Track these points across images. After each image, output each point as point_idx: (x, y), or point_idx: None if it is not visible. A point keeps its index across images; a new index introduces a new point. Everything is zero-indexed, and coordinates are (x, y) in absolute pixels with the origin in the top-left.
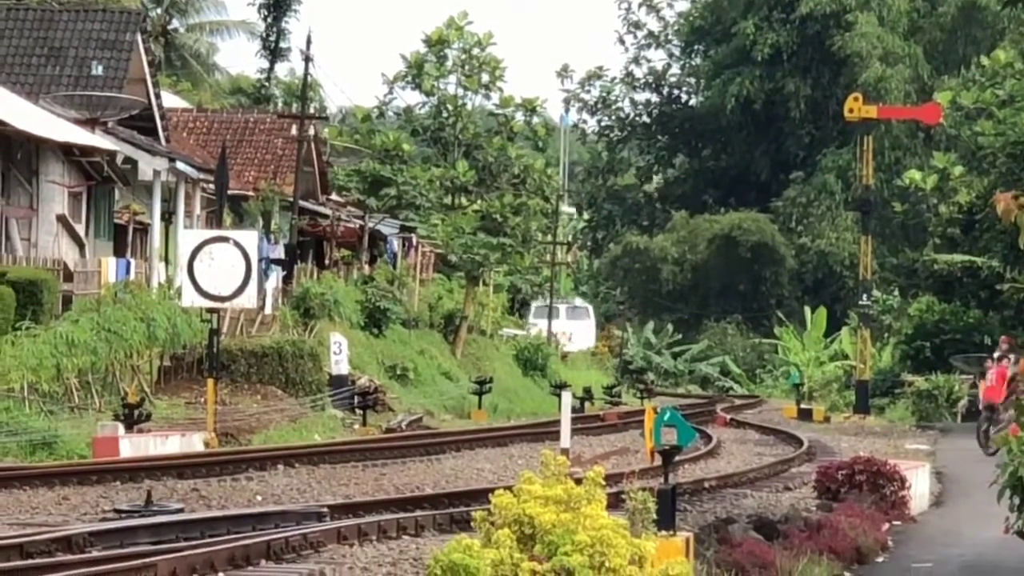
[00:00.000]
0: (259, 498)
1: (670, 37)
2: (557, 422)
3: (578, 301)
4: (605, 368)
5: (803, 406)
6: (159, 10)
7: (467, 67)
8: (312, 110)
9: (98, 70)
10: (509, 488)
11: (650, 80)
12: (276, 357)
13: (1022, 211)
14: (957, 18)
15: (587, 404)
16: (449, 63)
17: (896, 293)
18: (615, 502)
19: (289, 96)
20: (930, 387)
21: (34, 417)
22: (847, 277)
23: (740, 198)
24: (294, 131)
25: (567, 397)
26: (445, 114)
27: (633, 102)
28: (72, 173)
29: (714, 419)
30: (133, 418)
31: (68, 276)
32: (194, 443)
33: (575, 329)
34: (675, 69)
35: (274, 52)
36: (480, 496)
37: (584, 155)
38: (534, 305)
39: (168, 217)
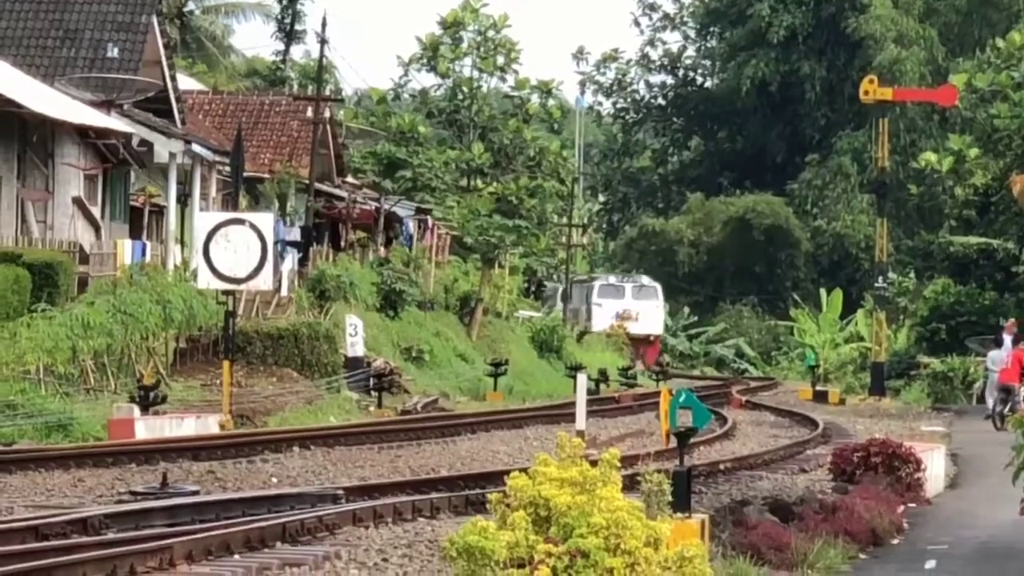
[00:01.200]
0: (274, 480)
1: (685, 19)
2: (572, 404)
3: (645, 279)
4: (620, 350)
5: (818, 388)
6: None
7: (482, 49)
8: (328, 92)
9: (114, 52)
10: (524, 470)
11: (665, 62)
12: (292, 339)
13: None
14: (973, 0)
15: (602, 386)
16: (464, 45)
17: (912, 275)
18: (630, 484)
19: (304, 78)
20: (945, 369)
21: (50, 399)
22: (863, 259)
23: (756, 180)
24: (309, 113)
25: (582, 379)
26: (460, 96)
27: (648, 84)
28: (88, 155)
29: (729, 401)
30: (149, 400)
31: (84, 258)
32: (209, 425)
33: (642, 310)
34: (690, 51)
35: (289, 34)
36: (495, 478)
37: (599, 137)
38: (597, 284)
39: (184, 199)
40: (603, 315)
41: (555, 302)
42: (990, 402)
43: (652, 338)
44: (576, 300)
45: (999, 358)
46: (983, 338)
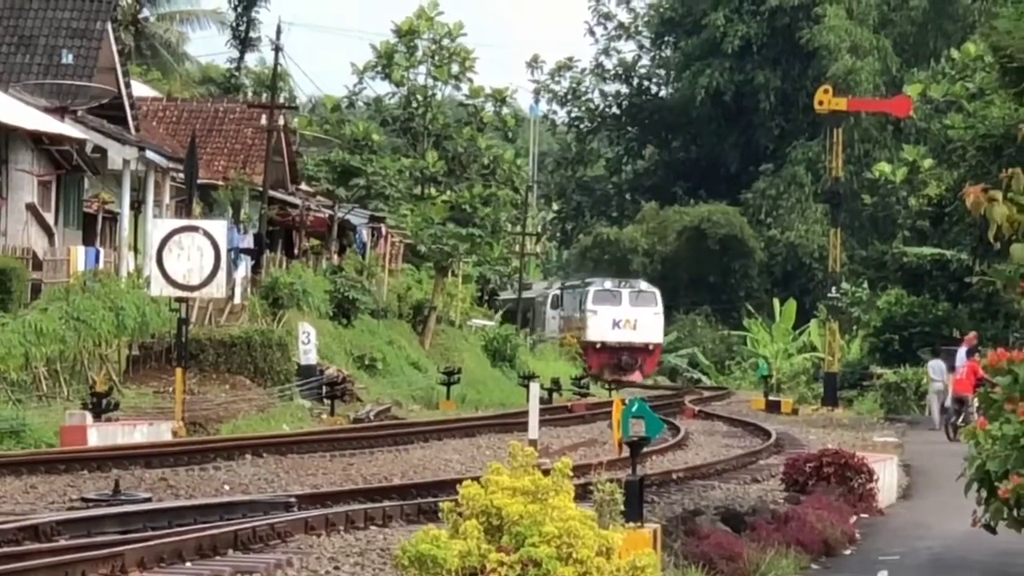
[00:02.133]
0: (227, 488)
1: (640, 28)
2: (525, 413)
3: (643, 284)
4: (574, 359)
5: (771, 398)
6: None
7: (437, 57)
8: (282, 100)
9: (68, 59)
10: (477, 479)
11: (620, 71)
12: (245, 347)
13: (991, 204)
14: (928, 11)
15: (555, 395)
16: (419, 53)
17: (865, 285)
18: (583, 493)
19: (259, 86)
20: (898, 380)
21: (2, 406)
22: (816, 269)
23: (710, 190)
24: (264, 121)
25: (535, 388)
26: (415, 104)
27: (603, 93)
28: (41, 161)
29: (682, 411)
30: (101, 407)
31: (37, 265)
32: (162, 432)
33: (639, 317)
34: (645, 60)
35: (244, 42)
36: (448, 487)
37: (554, 146)
38: (592, 290)
39: (137, 206)
40: (599, 323)
41: (542, 312)
42: (934, 411)
43: (651, 347)
44: (568, 307)
45: (939, 368)
46: (947, 348)
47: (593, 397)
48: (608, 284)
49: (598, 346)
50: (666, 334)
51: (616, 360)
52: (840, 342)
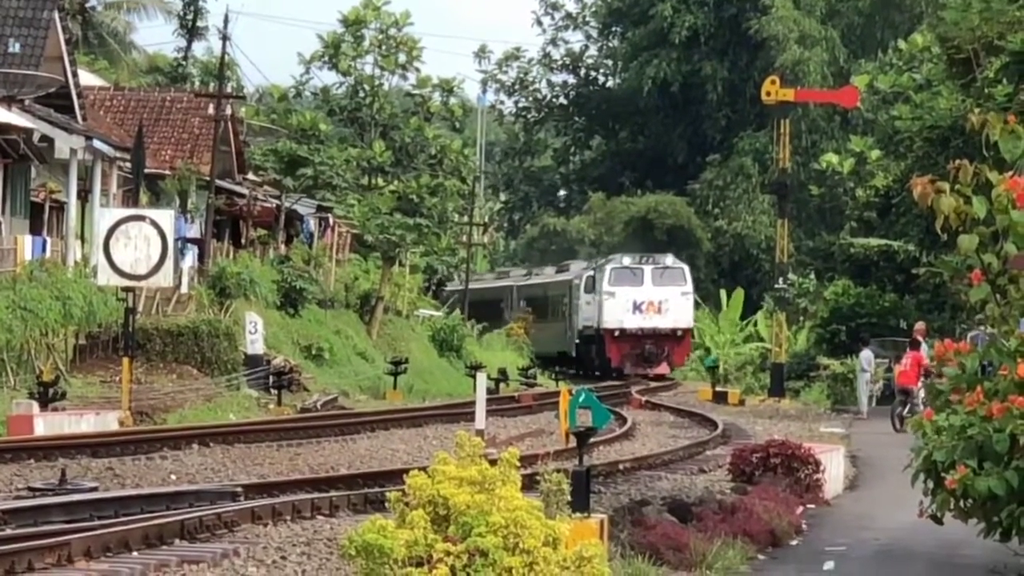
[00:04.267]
0: (173, 477)
1: (588, 19)
2: (472, 403)
3: (669, 259)
4: (521, 350)
5: (718, 389)
6: None
7: (384, 47)
8: (229, 89)
9: (15, 48)
10: (424, 469)
11: (567, 62)
12: (192, 336)
13: (939, 195)
14: (875, 2)
15: (502, 385)
16: (366, 43)
17: (812, 276)
18: (530, 484)
19: (206, 75)
20: (845, 371)
21: None
22: (763, 260)
23: (657, 180)
24: (211, 110)
25: (482, 378)
26: (362, 94)
27: (550, 83)
28: None
29: (629, 401)
30: (48, 396)
31: None
32: (109, 422)
33: (666, 299)
34: (592, 51)
35: (191, 31)
36: (395, 477)
37: (501, 136)
38: (609, 268)
39: (84, 195)
40: (617, 307)
41: (576, 298)
42: (863, 401)
43: (680, 333)
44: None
45: (868, 358)
46: (883, 339)
47: (540, 387)
48: (627, 260)
49: (616, 334)
50: None
51: (639, 350)
52: (787, 333)
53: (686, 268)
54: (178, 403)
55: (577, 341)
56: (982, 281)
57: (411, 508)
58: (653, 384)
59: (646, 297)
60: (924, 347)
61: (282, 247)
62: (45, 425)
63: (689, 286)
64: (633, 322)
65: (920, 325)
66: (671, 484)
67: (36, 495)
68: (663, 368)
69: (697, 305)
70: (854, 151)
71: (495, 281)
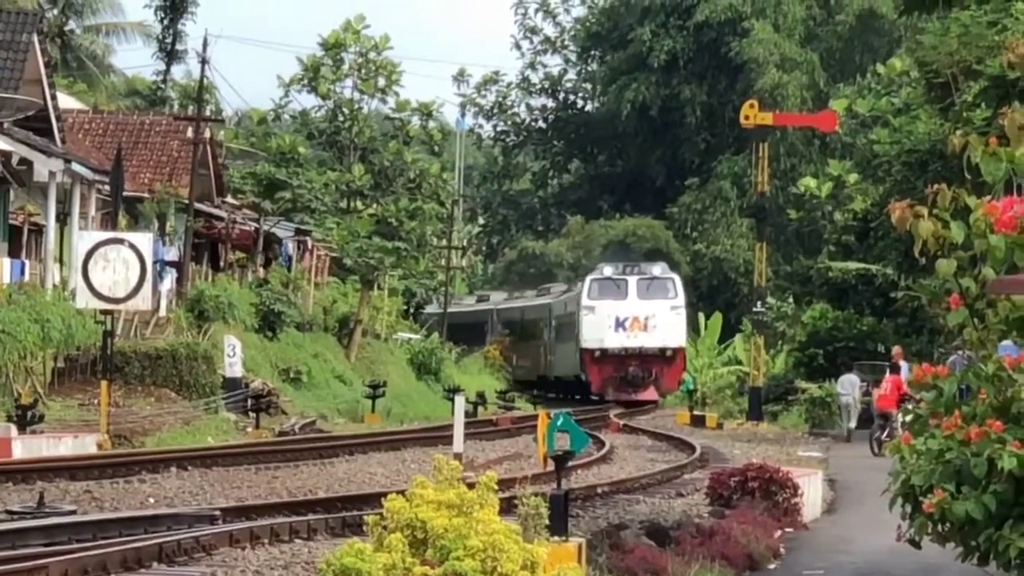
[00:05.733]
0: (152, 500)
1: (567, 43)
2: (450, 426)
3: (656, 268)
4: (498, 373)
5: (696, 412)
6: (55, 11)
7: (363, 71)
8: (208, 112)
9: None
10: (402, 492)
11: (546, 85)
12: (170, 359)
13: (917, 220)
14: (854, 26)
15: (480, 409)
16: (345, 67)
17: (790, 300)
18: (508, 507)
19: (185, 98)
20: (823, 394)
21: None
22: (742, 284)
23: (636, 204)
24: (190, 133)
25: (460, 401)
26: (341, 118)
27: (529, 107)
28: None
29: (607, 424)
30: (26, 419)
31: None
32: (87, 445)
33: (654, 314)
34: (571, 75)
35: (170, 54)
36: (373, 500)
37: (480, 160)
38: (589, 279)
39: (63, 218)
40: (597, 324)
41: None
42: (844, 425)
43: (669, 353)
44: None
45: (848, 381)
46: (860, 363)
47: (518, 411)
48: (608, 270)
49: (596, 354)
50: None
51: (622, 372)
52: (765, 356)
53: (676, 279)
54: (156, 426)
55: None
56: (960, 305)
57: (389, 531)
58: (631, 408)
59: (630, 312)
60: (904, 370)
61: (261, 270)
62: (23, 448)
63: (680, 299)
64: (616, 341)
65: (897, 349)
66: (649, 508)
67: (14, 518)
68: (650, 393)
69: None
70: (832, 175)
71: (476, 304)
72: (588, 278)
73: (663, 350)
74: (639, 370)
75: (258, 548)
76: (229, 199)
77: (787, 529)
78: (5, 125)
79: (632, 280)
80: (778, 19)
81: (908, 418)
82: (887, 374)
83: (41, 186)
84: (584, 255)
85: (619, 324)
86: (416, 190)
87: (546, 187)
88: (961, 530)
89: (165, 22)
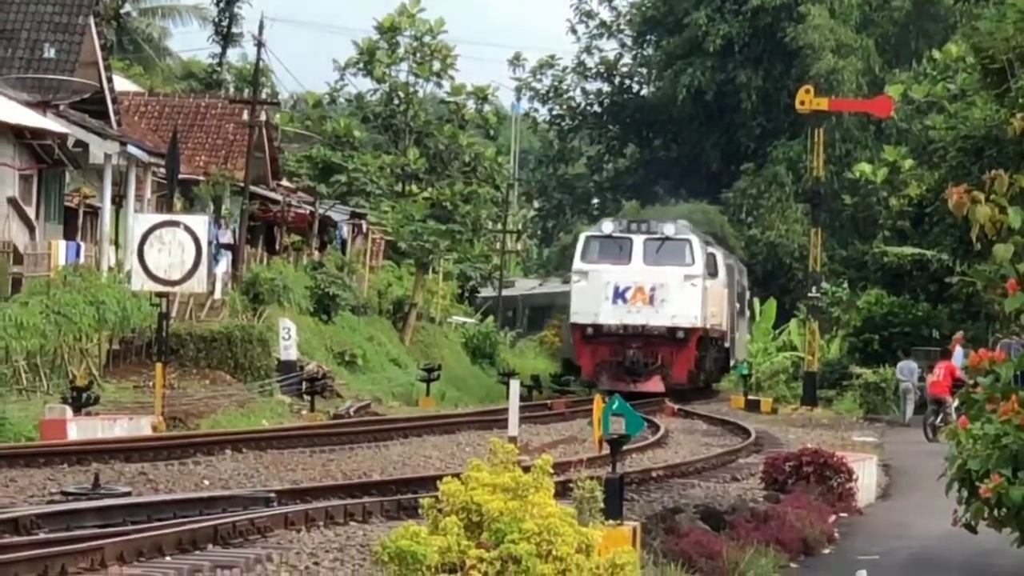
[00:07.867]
0: (206, 483)
1: (622, 27)
2: (505, 410)
3: (669, 227)
4: (554, 356)
5: (751, 397)
6: None
7: (418, 54)
8: (264, 95)
9: (50, 53)
10: (457, 475)
11: (602, 70)
12: (225, 342)
13: (974, 205)
14: (910, 12)
15: (535, 392)
16: (401, 50)
17: (845, 285)
18: (563, 491)
19: (241, 81)
20: (878, 380)
21: None
22: (796, 269)
23: (691, 189)
24: (245, 116)
25: (515, 385)
26: (396, 101)
27: (584, 91)
28: (23, 156)
29: (662, 409)
30: (81, 401)
31: (18, 259)
32: (142, 427)
33: (662, 283)
34: (627, 59)
35: (226, 37)
36: (428, 483)
37: (535, 144)
38: (583, 236)
39: (119, 201)
40: (590, 294)
41: None
42: (908, 411)
43: (681, 334)
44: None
45: (907, 368)
46: (917, 349)
47: (573, 394)
48: (609, 227)
49: (588, 331)
50: None
51: (619, 357)
52: (820, 342)
53: (695, 240)
54: (211, 408)
55: None
56: (1017, 291)
57: (444, 514)
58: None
59: (633, 280)
60: (959, 356)
61: (316, 253)
62: (78, 430)
63: (698, 266)
64: (613, 316)
65: (958, 335)
66: (704, 492)
67: (69, 499)
68: (653, 385)
69: None
70: (887, 160)
71: (551, 287)
72: (583, 235)
73: (673, 330)
74: (641, 354)
75: (313, 531)
76: (284, 182)
77: (841, 514)
78: (61, 107)
79: (638, 240)
80: (834, 4)
81: (958, 403)
82: (940, 360)
83: (97, 168)
84: None
85: (618, 295)
86: (471, 174)
87: (601, 171)
88: (1018, 515)
89: (221, 5)
